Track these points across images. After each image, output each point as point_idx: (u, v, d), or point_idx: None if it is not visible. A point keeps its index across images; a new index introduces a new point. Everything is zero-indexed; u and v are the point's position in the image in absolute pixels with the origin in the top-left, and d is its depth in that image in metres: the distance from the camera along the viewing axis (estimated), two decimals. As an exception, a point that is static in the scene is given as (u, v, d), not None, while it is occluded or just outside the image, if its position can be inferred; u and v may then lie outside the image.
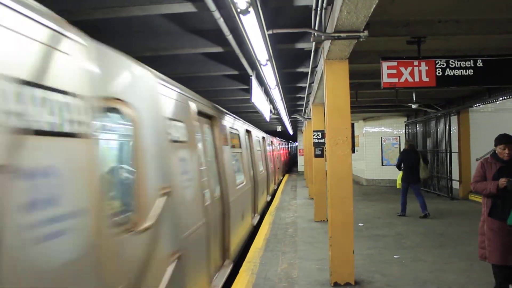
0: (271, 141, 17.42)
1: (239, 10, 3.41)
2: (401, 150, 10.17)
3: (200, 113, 4.52)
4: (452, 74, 5.40)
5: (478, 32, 5.44)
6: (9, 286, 1.34)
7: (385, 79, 5.43)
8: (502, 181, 4.06)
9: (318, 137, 9.88)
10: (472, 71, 5.40)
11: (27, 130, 1.51)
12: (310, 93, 10.02)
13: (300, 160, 25.36)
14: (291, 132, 25.18)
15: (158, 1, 4.30)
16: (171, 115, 3.34)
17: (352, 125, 18.52)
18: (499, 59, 5.48)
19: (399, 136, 16.42)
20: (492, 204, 4.23)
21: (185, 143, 3.63)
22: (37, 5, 1.73)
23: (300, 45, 6.19)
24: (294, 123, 22.48)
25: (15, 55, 1.51)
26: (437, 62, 5.41)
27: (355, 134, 19.05)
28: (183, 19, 5.56)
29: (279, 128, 23.61)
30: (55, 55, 1.75)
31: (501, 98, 9.53)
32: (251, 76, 7.28)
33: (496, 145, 4.32)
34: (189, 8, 4.47)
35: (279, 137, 26.93)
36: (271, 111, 12.40)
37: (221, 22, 4.31)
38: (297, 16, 5.27)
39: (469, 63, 5.41)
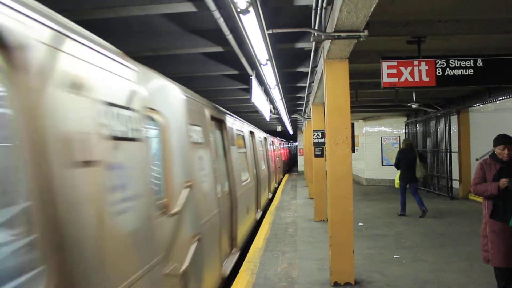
0: (272, 141, 17.68)
1: (239, 9, 3.41)
2: (399, 150, 10.15)
3: (212, 118, 5.11)
4: (452, 73, 5.40)
5: (478, 32, 5.44)
6: (102, 240, 1.96)
7: (385, 78, 5.43)
8: (503, 182, 4.00)
9: (318, 136, 9.88)
10: (472, 70, 5.40)
11: (110, 137, 2.11)
12: (310, 93, 10.03)
13: (300, 159, 25.37)
14: (291, 132, 25.19)
15: (158, 0, 4.30)
16: (192, 121, 3.92)
17: (352, 124, 18.52)
18: (499, 58, 5.48)
19: (399, 136, 16.42)
20: (493, 206, 4.16)
21: (202, 144, 4.23)
22: (114, 48, 2.38)
23: (300, 45, 6.19)
24: (294, 123, 22.49)
25: (102, 84, 2.11)
26: (437, 61, 5.41)
27: (355, 133, 19.05)
28: (183, 19, 5.56)
29: (279, 128, 23.62)
30: (123, 82, 2.41)
31: (501, 98, 9.53)
32: (251, 75, 7.28)
33: (495, 145, 4.27)
34: (189, 7, 4.47)
35: (279, 137, 26.94)
36: (271, 111, 12.40)
37: (221, 21, 4.31)
38: (297, 15, 5.27)
39: (469, 63, 5.41)
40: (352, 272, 4.90)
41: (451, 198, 12.15)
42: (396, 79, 5.42)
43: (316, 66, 7.33)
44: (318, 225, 8.62)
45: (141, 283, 2.30)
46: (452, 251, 6.26)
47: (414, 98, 9.73)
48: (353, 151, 18.73)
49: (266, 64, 5.56)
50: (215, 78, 9.21)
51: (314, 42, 5.20)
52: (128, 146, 2.34)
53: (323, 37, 4.51)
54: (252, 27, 3.96)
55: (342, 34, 4.22)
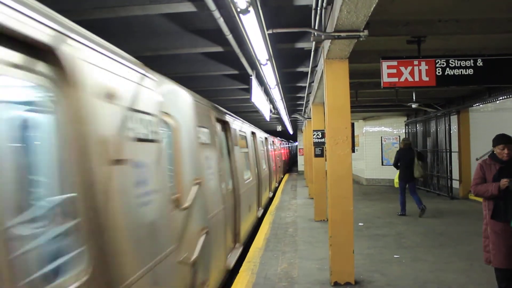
0: (273, 141, 17.83)
1: (239, 9, 3.40)
2: (398, 149, 10.15)
3: (217, 120, 5.42)
4: (452, 73, 5.40)
5: (478, 31, 5.44)
6: (130, 226, 2.30)
7: (385, 78, 5.43)
8: (504, 182, 3.97)
9: (318, 136, 9.88)
10: (472, 70, 5.40)
11: (135, 139, 2.45)
12: (310, 93, 10.03)
13: (300, 159, 25.37)
14: (291, 132, 25.18)
15: (158, 0, 4.30)
16: (200, 123, 4.22)
17: (352, 124, 18.51)
18: (499, 58, 5.48)
19: (399, 136, 16.41)
20: (494, 206, 4.12)
21: (208, 144, 4.56)
22: (136, 61, 2.71)
23: (300, 45, 6.19)
24: (294, 123, 22.49)
25: (129, 93, 2.45)
26: (437, 61, 5.41)
27: (355, 133, 19.05)
28: (183, 18, 5.56)
29: (279, 128, 23.60)
30: (144, 90, 2.75)
31: (501, 98, 9.53)
32: (251, 75, 7.28)
33: (494, 145, 4.24)
34: (189, 7, 4.47)
35: (280, 137, 26.94)
36: (271, 111, 12.40)
37: (221, 21, 4.31)
38: (297, 15, 5.27)
39: (469, 63, 5.41)
40: (352, 272, 4.90)
41: (451, 198, 12.15)
42: (396, 79, 5.42)
43: (316, 66, 7.33)
44: (318, 225, 8.62)
45: (160, 267, 2.63)
46: (452, 251, 6.26)
47: (414, 98, 9.73)
48: (353, 151, 18.73)
49: (266, 64, 5.56)
50: (215, 78, 9.21)
51: (314, 42, 5.20)
52: (148, 146, 2.69)
53: (323, 37, 4.51)
54: (252, 27, 3.96)
55: (342, 34, 4.22)
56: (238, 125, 7.37)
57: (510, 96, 9.01)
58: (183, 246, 3.18)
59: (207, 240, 3.85)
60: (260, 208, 9.75)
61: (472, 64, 5.40)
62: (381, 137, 16.99)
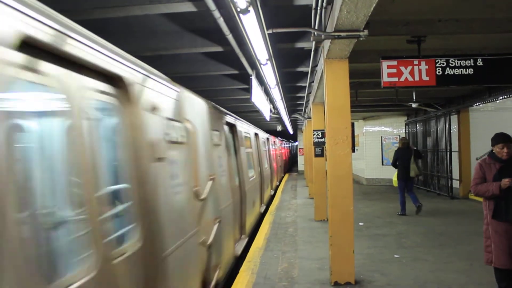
0: (274, 141, 18.13)
1: (239, 9, 3.40)
2: (396, 149, 10.17)
3: (227, 123, 6.05)
4: (452, 73, 5.40)
5: (478, 31, 5.43)
6: (169, 209, 2.90)
7: (385, 78, 5.43)
8: (505, 182, 3.94)
9: (318, 136, 9.88)
10: (472, 70, 5.40)
11: (169, 141, 3.06)
12: (310, 93, 10.02)
13: (300, 159, 25.37)
14: (291, 132, 25.17)
15: (157, 0, 4.30)
16: (212, 127, 4.79)
17: (352, 124, 18.51)
18: (499, 58, 5.48)
19: (399, 136, 16.40)
20: (495, 206, 4.09)
21: (220, 145, 5.16)
22: (166, 77, 3.33)
23: (300, 45, 6.19)
24: (294, 123, 22.49)
25: (164, 105, 3.05)
26: (437, 61, 5.41)
27: (355, 133, 19.05)
28: (183, 18, 5.56)
29: (279, 128, 23.60)
30: (173, 101, 3.34)
31: (501, 97, 9.52)
32: (251, 75, 7.28)
33: (493, 144, 4.22)
34: (189, 7, 4.47)
35: (280, 137, 26.93)
36: (271, 111, 12.40)
37: (221, 21, 4.31)
38: (297, 15, 5.27)
39: (469, 62, 5.41)
40: (352, 272, 4.90)
41: (451, 198, 12.14)
42: (396, 79, 5.42)
43: (316, 66, 7.33)
44: (318, 225, 8.62)
45: (187, 245, 3.26)
46: (452, 251, 6.26)
47: (414, 98, 9.73)
48: (353, 150, 18.73)
49: (266, 63, 5.56)
50: (215, 78, 9.21)
51: (314, 42, 5.20)
52: (177, 147, 3.30)
53: (323, 36, 4.51)
54: (252, 26, 3.96)
55: (342, 34, 4.22)
56: (243, 127, 7.97)
57: (510, 95, 9.00)
58: (202, 231, 3.75)
59: (219, 229, 4.42)
60: (262, 205, 10.23)
61: (472, 64, 5.40)
62: (381, 136, 16.99)
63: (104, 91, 2.28)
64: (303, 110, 14.52)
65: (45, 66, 1.71)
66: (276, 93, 8.95)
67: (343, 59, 5.01)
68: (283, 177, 22.90)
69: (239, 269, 5.76)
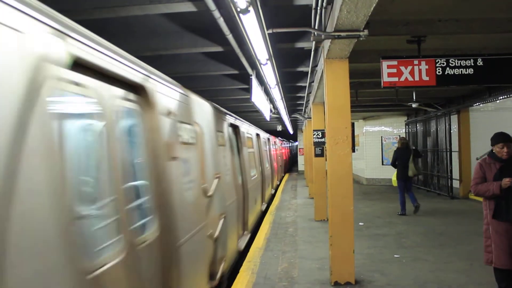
0: (274, 142, 18.32)
1: (239, 9, 3.40)
2: (395, 149, 10.18)
3: (230, 124, 6.34)
4: (452, 73, 5.40)
5: (478, 31, 5.43)
6: (181, 204, 3.19)
7: (385, 78, 5.43)
8: (506, 181, 3.93)
9: (318, 136, 9.88)
10: (472, 70, 5.40)
11: (182, 142, 3.38)
12: (310, 93, 10.02)
13: (300, 159, 25.37)
14: (291, 132, 25.16)
15: (157, 0, 4.30)
16: (218, 128, 5.09)
17: (352, 124, 18.51)
18: (499, 58, 5.48)
19: (399, 135, 16.42)
20: (495, 206, 4.07)
21: (224, 145, 5.46)
22: (178, 84, 3.66)
23: (300, 44, 6.19)
24: (294, 123, 22.49)
25: (177, 110, 3.36)
26: (437, 61, 5.41)
27: (355, 133, 19.05)
28: (183, 18, 5.56)
29: (279, 128, 23.60)
30: (184, 106, 3.66)
31: (501, 97, 9.52)
32: (251, 75, 7.28)
33: (493, 144, 4.21)
34: (189, 7, 4.47)
35: (280, 137, 26.94)
36: (271, 111, 12.40)
37: (221, 21, 4.31)
38: (297, 15, 5.27)
39: (469, 62, 5.40)
40: (352, 272, 4.90)
41: (451, 198, 12.14)
42: (396, 79, 5.42)
43: (316, 66, 7.33)
44: (318, 225, 8.62)
45: (197, 236, 3.58)
46: (452, 251, 6.26)
47: (414, 98, 9.73)
48: (353, 150, 18.73)
49: (266, 63, 5.56)
50: (215, 77, 9.21)
51: (314, 42, 5.20)
52: (188, 148, 3.60)
53: (323, 36, 4.51)
54: (252, 26, 3.96)
55: (342, 34, 4.22)
56: (246, 128, 8.33)
57: (510, 95, 9.00)
58: (209, 225, 4.06)
59: (225, 224, 4.74)
60: (263, 203, 10.54)
61: (472, 64, 5.40)
62: (381, 136, 16.99)
63: (128, 99, 2.63)
64: (303, 110, 14.52)
65: (85, 80, 2.07)
66: (276, 93, 8.95)
67: (343, 59, 5.01)
68: (283, 176, 23.00)
69: (240, 265, 5.80)
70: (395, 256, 6.06)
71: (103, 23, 5.08)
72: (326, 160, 5.69)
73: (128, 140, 2.63)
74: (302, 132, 21.41)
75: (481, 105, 11.07)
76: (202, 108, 4.43)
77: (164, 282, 2.83)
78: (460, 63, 5.40)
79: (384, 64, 5.42)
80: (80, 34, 1.98)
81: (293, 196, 13.99)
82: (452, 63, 5.40)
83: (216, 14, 4.05)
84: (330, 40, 4.43)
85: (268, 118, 13.01)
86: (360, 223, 8.45)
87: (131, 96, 2.65)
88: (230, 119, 6.35)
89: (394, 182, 9.90)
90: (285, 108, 12.48)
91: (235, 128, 6.94)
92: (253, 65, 6.68)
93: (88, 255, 1.94)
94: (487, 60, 5.41)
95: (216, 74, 8.64)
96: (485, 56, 5.44)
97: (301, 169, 24.88)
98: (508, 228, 4.02)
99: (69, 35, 1.85)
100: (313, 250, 6.47)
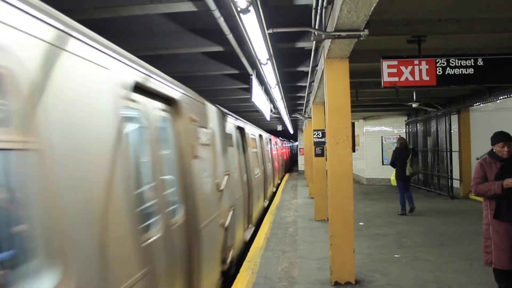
0: (275, 142, 18.66)
1: (239, 9, 3.40)
2: (394, 149, 10.18)
3: (237, 127, 7.04)
4: (452, 73, 5.40)
5: (478, 31, 5.43)
6: (201, 195, 3.80)
7: (385, 78, 5.42)
8: (509, 182, 3.91)
9: (318, 136, 9.88)
10: (472, 70, 5.40)
11: (201, 144, 3.96)
12: (311, 92, 10.02)
13: (301, 159, 25.36)
14: (291, 131, 25.15)
15: (158, 0, 4.30)
16: (227, 131, 5.78)
17: (353, 124, 18.51)
18: (499, 58, 5.48)
19: (400, 135, 16.41)
20: (496, 206, 4.04)
21: (233, 146, 6.16)
22: (196, 94, 4.30)
23: (301, 44, 6.18)
24: (295, 122, 22.48)
25: (198, 116, 3.98)
26: (437, 61, 5.40)
27: (356, 133, 19.04)
28: (183, 18, 5.56)
29: (279, 127, 23.59)
30: (202, 112, 4.33)
31: (501, 97, 9.52)
32: (251, 75, 7.28)
33: (493, 143, 4.20)
34: (189, 7, 4.46)
35: (281, 137, 26.95)
36: (271, 110, 12.40)
37: (221, 21, 4.31)
38: (297, 15, 5.26)
39: (470, 62, 5.40)
40: (352, 272, 4.90)
41: (451, 198, 12.14)
42: (396, 79, 5.42)
43: (317, 66, 7.33)
44: (318, 225, 8.62)
45: (213, 223, 4.18)
46: (453, 251, 6.26)
47: (414, 98, 9.73)
48: (354, 150, 18.72)
49: (267, 63, 5.56)
50: (216, 77, 9.21)
51: (314, 42, 5.19)
52: (205, 148, 4.18)
53: (323, 36, 4.51)
54: (252, 26, 3.96)
55: (343, 34, 4.22)
56: (250, 129, 9.03)
57: (511, 95, 9.00)
58: (221, 215, 4.67)
59: (233, 216, 5.30)
60: (265, 200, 11.17)
61: (473, 64, 5.40)
62: (382, 136, 16.98)
63: (164, 109, 3.29)
64: (304, 109, 14.51)
65: (138, 97, 2.73)
66: (277, 93, 8.94)
67: (343, 58, 5.01)
68: (283, 176, 23.12)
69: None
70: (395, 256, 6.06)
71: (103, 22, 5.08)
72: (326, 160, 5.69)
73: (163, 141, 3.21)
74: (302, 132, 21.40)
75: (481, 105, 11.06)
76: (214, 113, 5.05)
77: (189, 259, 3.42)
78: (461, 63, 5.40)
79: (385, 64, 5.42)
80: (138, 65, 2.70)
81: (293, 196, 13.98)
82: (452, 63, 5.39)
83: (217, 13, 4.05)
84: (330, 40, 4.43)
85: (268, 118, 13.01)
86: (360, 223, 8.45)
87: (165, 107, 3.32)
88: (237, 122, 7.02)
89: (393, 182, 9.93)
90: (285, 108, 12.47)
91: (241, 130, 7.60)
92: (253, 65, 6.68)
93: (142, 228, 2.52)
94: (487, 60, 5.40)
95: (216, 74, 8.64)
96: (486, 56, 5.44)
97: (301, 169, 24.86)
98: (509, 229, 3.99)
99: (132, 67, 2.59)
100: (313, 250, 6.47)
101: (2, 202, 1.56)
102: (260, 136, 11.54)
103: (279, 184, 17.96)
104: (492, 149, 4.26)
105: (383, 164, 16.67)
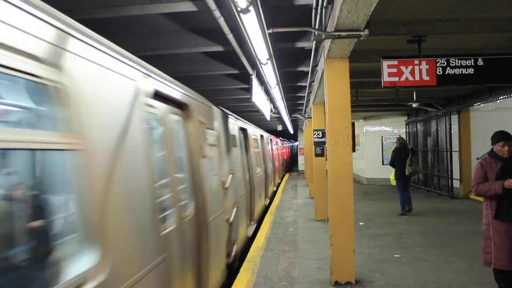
0: (276, 142, 18.82)
1: (239, 9, 3.40)
2: (394, 149, 10.19)
3: (240, 128, 7.43)
4: (452, 73, 5.39)
5: (478, 30, 5.43)
6: (209, 191, 4.14)
7: (385, 78, 5.42)
8: (510, 182, 3.88)
9: (318, 136, 9.88)
10: (472, 69, 5.39)
11: (208, 144, 4.30)
12: (311, 92, 10.02)
13: (301, 159, 25.36)
14: (291, 131, 25.14)
15: (158, 0, 4.30)
16: (231, 132, 6.12)
17: (353, 124, 18.51)
18: (499, 57, 5.47)
19: (400, 135, 16.40)
20: (497, 206, 4.03)
21: (236, 146, 6.51)
22: (204, 98, 4.62)
23: (301, 44, 6.18)
24: (295, 122, 22.48)
25: (206, 119, 4.35)
26: (437, 61, 5.40)
27: (356, 133, 19.04)
28: (183, 18, 5.56)
29: (279, 127, 23.59)
30: (209, 115, 4.59)
31: (501, 97, 9.52)
32: (252, 75, 7.28)
33: (494, 143, 4.18)
34: (189, 7, 4.46)
35: (281, 137, 26.95)
36: (271, 110, 12.39)
37: (222, 21, 4.31)
38: (297, 15, 5.26)
39: (470, 62, 5.40)
40: (352, 272, 4.90)
41: (451, 198, 12.13)
42: (396, 78, 5.42)
43: (317, 66, 7.33)
44: (318, 225, 8.62)
45: (220, 217, 4.50)
46: (453, 251, 6.26)
47: (414, 97, 9.71)
48: (354, 150, 18.72)
49: (267, 63, 5.55)
50: (216, 77, 9.21)
51: (314, 42, 5.19)
52: (212, 148, 4.50)
53: (323, 36, 4.51)
54: (252, 26, 3.96)
55: (343, 33, 4.22)
56: (252, 130, 9.44)
57: (511, 95, 9.00)
58: (227, 211, 4.95)
59: (237, 212, 5.63)
60: (266, 198, 11.50)
61: (473, 64, 5.40)
62: (382, 136, 16.98)
63: (177, 113, 3.58)
64: (304, 109, 14.51)
65: (156, 103, 3.05)
66: (277, 93, 8.94)
67: (343, 58, 5.01)
68: (284, 175, 23.18)
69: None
70: (395, 256, 6.06)
71: (104, 22, 5.08)
72: (326, 160, 5.69)
73: (176, 142, 3.51)
74: (303, 131, 21.40)
75: (481, 105, 11.06)
76: (220, 116, 5.36)
77: (198, 250, 3.72)
78: (461, 63, 5.40)
79: (385, 64, 5.42)
80: (156, 74, 3.06)
81: (293, 196, 13.98)
82: (452, 63, 5.39)
83: (217, 13, 4.05)
84: (330, 39, 4.43)
85: (268, 118, 13.00)
86: (361, 223, 8.45)
87: (178, 111, 3.63)
88: (240, 123, 7.39)
89: (392, 181, 9.95)
90: (285, 107, 12.47)
91: (243, 131, 7.98)
92: (254, 65, 6.68)
93: (161, 220, 2.80)
94: (487, 59, 5.40)
95: (217, 74, 8.63)
96: (486, 56, 5.44)
97: (301, 169, 24.87)
98: (509, 229, 3.98)
99: (152, 77, 2.92)
100: (313, 250, 6.47)
101: (55, 192, 1.91)
102: (261, 136, 11.85)
103: (279, 184, 18.06)
104: (492, 149, 4.25)
105: (383, 164, 16.66)
